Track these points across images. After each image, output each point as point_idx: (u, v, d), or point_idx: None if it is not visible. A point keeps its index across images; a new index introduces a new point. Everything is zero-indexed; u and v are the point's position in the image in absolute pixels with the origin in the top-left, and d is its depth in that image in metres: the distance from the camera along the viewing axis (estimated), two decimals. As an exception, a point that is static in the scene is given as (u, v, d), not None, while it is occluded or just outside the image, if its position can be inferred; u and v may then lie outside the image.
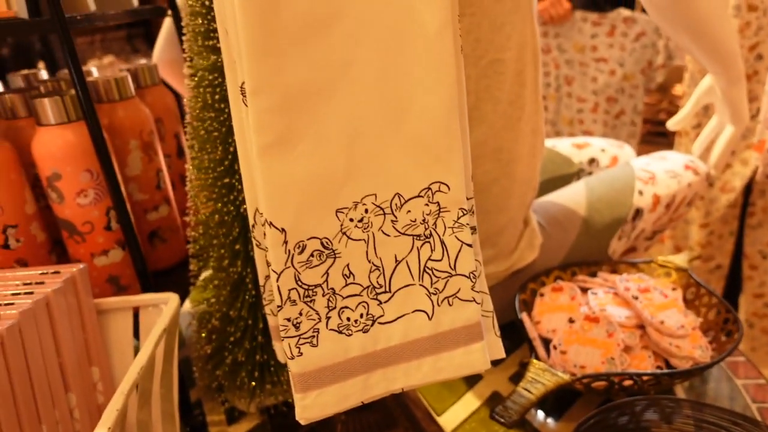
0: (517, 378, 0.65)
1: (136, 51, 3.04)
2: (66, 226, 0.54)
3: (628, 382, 0.51)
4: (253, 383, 0.56)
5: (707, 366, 0.52)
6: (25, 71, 0.72)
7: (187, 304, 0.67)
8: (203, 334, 0.58)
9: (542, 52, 1.80)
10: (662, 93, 2.53)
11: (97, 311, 0.49)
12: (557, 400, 0.60)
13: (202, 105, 0.50)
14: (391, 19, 0.33)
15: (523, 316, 0.61)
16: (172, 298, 0.49)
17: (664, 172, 0.80)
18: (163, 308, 0.49)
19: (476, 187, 0.61)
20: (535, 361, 0.53)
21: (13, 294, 0.43)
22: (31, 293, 0.43)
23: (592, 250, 0.74)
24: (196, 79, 0.50)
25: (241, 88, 0.32)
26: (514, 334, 0.72)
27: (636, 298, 0.59)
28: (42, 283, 0.45)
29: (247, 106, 0.33)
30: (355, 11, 0.33)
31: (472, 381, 0.65)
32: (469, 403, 0.62)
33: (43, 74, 0.72)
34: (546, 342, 0.60)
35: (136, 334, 0.52)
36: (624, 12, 1.65)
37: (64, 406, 0.45)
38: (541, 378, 0.51)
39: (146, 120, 0.63)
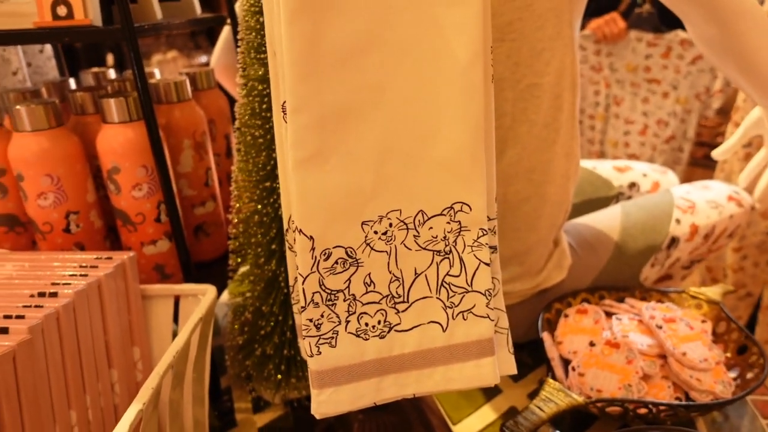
0: (535, 395, 0.66)
1: (198, 47, 3.17)
2: (121, 216, 0.59)
3: (642, 410, 0.51)
4: (279, 376, 0.59)
5: (727, 402, 0.52)
6: (96, 69, 0.78)
7: (225, 296, 0.71)
8: (236, 326, 0.61)
9: (594, 70, 1.78)
10: (722, 116, 2.45)
11: (142, 296, 0.54)
12: (574, 422, 0.60)
13: (251, 113, 0.53)
14: (424, 49, 0.36)
15: (545, 335, 0.62)
16: (210, 289, 0.53)
17: (705, 201, 0.79)
18: (201, 299, 0.53)
19: (507, 205, 0.63)
20: (550, 380, 0.54)
21: (71, 275, 0.48)
22: (86, 276, 0.48)
23: (623, 275, 0.74)
24: (246, 88, 0.53)
25: (283, 106, 0.35)
26: (536, 352, 0.73)
27: (660, 327, 0.59)
28: (96, 267, 0.49)
29: (286, 122, 0.36)
30: (392, 41, 0.35)
31: (490, 394, 0.67)
32: (486, 415, 0.63)
33: (111, 73, 0.78)
34: (566, 363, 0.61)
35: (176, 319, 0.56)
36: (681, 34, 1.62)
37: (106, 381, 0.49)
38: (554, 397, 0.52)
39: (200, 121, 0.68)
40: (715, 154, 0.86)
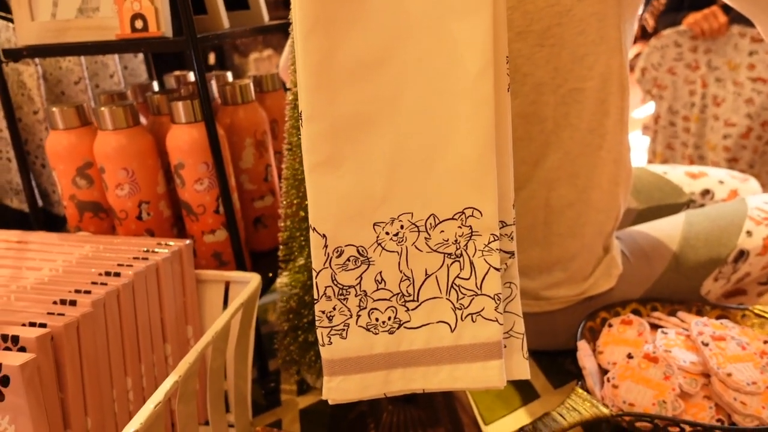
0: (572, 404, 0.65)
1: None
2: (185, 207, 0.66)
3: (673, 429, 0.50)
4: (320, 362, 0.63)
5: (772, 429, 0.49)
6: (177, 72, 0.86)
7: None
8: (282, 313, 0.66)
9: (689, 68, 1.66)
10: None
11: (196, 280, 0.60)
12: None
13: (296, 119, 0.57)
14: (437, 62, 0.37)
15: (581, 343, 0.60)
16: (254, 277, 0.58)
17: (785, 213, 0.73)
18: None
19: (550, 210, 0.62)
20: (578, 389, 0.53)
21: (134, 258, 0.54)
22: (147, 259, 0.54)
23: (680, 287, 0.70)
24: (293, 93, 0.57)
25: (300, 114, 0.38)
26: (581, 361, 0.71)
27: (706, 344, 0.56)
28: (156, 252, 0.56)
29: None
30: (404, 55, 0.37)
31: (527, 398, 0.67)
32: (520, 419, 0.64)
33: (191, 76, 0.86)
34: (605, 373, 0.59)
35: (227, 303, 0.62)
36: (792, 27, 1.47)
37: (161, 353, 0.55)
38: (579, 406, 0.51)
39: (262, 121, 0.73)
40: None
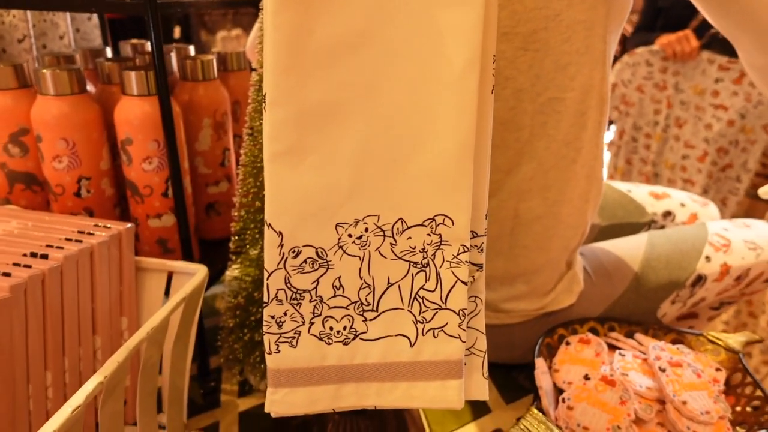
0: (524, 421, 0.63)
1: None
2: (130, 186, 0.60)
3: (627, 456, 0.48)
4: (265, 364, 0.59)
5: (723, 461, 0.48)
6: (135, 41, 0.80)
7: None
8: (229, 309, 0.62)
9: (657, 88, 1.69)
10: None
11: (136, 268, 0.55)
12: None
13: (259, 102, 0.53)
14: (418, 52, 0.34)
15: (538, 361, 0.59)
16: (201, 269, 0.53)
17: (743, 241, 0.73)
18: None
19: (518, 221, 0.60)
20: (534, 410, 0.52)
21: (66, 239, 0.49)
22: (80, 242, 0.49)
23: (639, 308, 0.70)
24: (257, 77, 0.53)
25: (264, 96, 0.34)
26: (533, 375, 0.70)
27: (663, 370, 0.55)
28: (92, 234, 0.50)
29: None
30: (384, 40, 0.34)
31: (478, 413, 0.65)
32: (469, 433, 0.62)
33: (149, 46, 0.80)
34: (560, 392, 0.58)
35: (170, 294, 0.57)
36: (757, 60, 1.51)
37: (89, 346, 0.50)
38: (533, 428, 0.49)
39: (222, 101, 0.68)
40: (762, 192, 0.80)
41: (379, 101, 0.35)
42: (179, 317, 0.51)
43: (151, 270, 0.56)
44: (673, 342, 0.65)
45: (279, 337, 0.37)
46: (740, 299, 0.80)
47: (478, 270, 0.39)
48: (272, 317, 0.37)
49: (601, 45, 0.53)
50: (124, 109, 0.58)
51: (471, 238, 0.37)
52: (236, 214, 0.60)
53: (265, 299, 0.37)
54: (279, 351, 0.37)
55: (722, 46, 1.56)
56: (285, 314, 0.37)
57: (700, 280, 0.70)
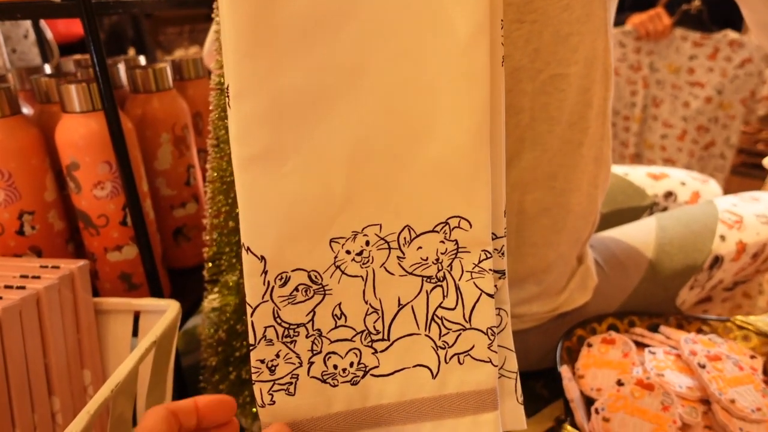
0: (550, 437, 0.57)
1: (221, 44, 3.14)
2: (82, 217, 0.53)
3: (680, 471, 0.42)
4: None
5: (786, 464, 0.43)
6: (78, 56, 0.72)
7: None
8: (210, 345, 0.54)
9: (632, 69, 1.66)
10: (764, 122, 2.30)
11: (96, 311, 0.47)
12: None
13: (223, 107, 0.46)
14: (413, 21, 0.28)
15: (563, 369, 0.53)
16: (172, 306, 0.46)
17: (754, 216, 0.69)
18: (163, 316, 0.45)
19: (524, 216, 0.54)
20: (569, 427, 0.45)
21: (6, 286, 0.41)
22: (23, 288, 0.41)
23: (656, 298, 0.64)
24: (217, 78, 0.46)
25: (226, 90, 0.28)
26: (554, 383, 0.64)
27: (703, 366, 0.50)
28: (38, 277, 0.43)
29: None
30: (369, 9, 0.27)
31: (499, 432, 0.58)
32: (492, 457, 0.55)
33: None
34: (588, 401, 0.52)
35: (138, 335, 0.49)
36: (731, 34, 1.49)
37: (45, 410, 0.42)
38: (573, 451, 0.43)
39: (181, 113, 0.61)
40: (767, 161, 0.76)
41: (370, 85, 0.28)
42: (151, 363, 0.44)
43: (114, 311, 0.48)
44: (699, 331, 0.60)
45: (272, 385, 0.30)
46: (754, 277, 0.75)
47: (500, 278, 0.33)
48: (262, 362, 0.30)
49: (602, 12, 0.47)
50: (66, 129, 0.50)
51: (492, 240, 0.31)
52: (208, 237, 0.53)
53: (251, 340, 0.30)
54: (274, 402, 0.30)
55: (695, 22, 1.54)
56: (277, 356, 0.30)
57: (717, 261, 0.65)
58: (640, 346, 0.57)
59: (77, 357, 0.45)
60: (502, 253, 0.33)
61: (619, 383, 0.50)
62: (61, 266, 0.44)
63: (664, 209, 0.82)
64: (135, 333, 0.49)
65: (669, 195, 0.82)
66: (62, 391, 0.44)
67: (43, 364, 0.42)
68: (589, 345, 0.57)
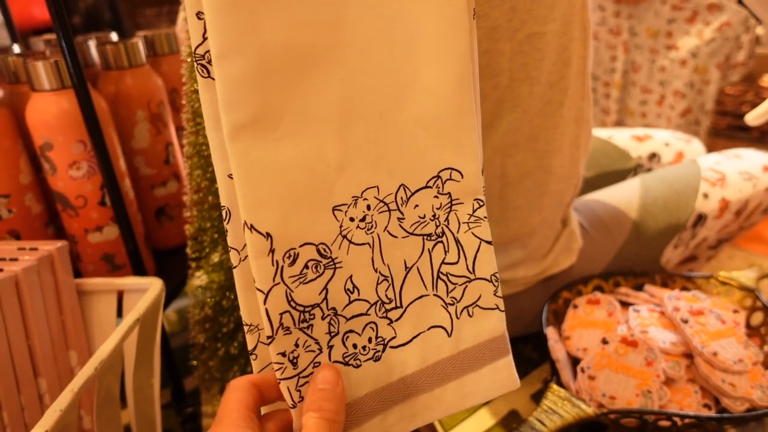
0: (539, 397, 0.58)
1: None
2: (60, 199, 0.52)
3: (664, 423, 0.43)
4: (246, 379, 0.52)
5: (766, 413, 0.43)
6: (48, 36, 0.70)
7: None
8: (197, 323, 0.54)
9: (612, 33, 1.65)
10: (748, 83, 2.30)
11: (78, 292, 0.46)
12: (582, 429, 0.53)
13: (196, 81, 0.45)
14: None
15: (549, 330, 0.53)
16: (155, 283, 0.45)
17: (737, 173, 0.69)
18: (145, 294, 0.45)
19: (506, 180, 0.54)
20: (555, 386, 0.46)
21: (-17, 270, 0.41)
22: (0, 270, 0.40)
23: (641, 258, 0.65)
24: (188, 49, 0.45)
25: (206, 55, 0.26)
26: (542, 346, 0.65)
27: (686, 321, 0.50)
28: (16, 259, 0.42)
29: (212, 77, 0.27)
30: None
31: (489, 395, 0.59)
32: (483, 420, 0.56)
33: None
34: (575, 361, 0.53)
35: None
36: (710, -2, 1.48)
37: (31, 391, 0.42)
38: (559, 408, 0.44)
39: (156, 90, 0.59)
40: (749, 118, 0.76)
41: (352, 40, 0.27)
42: (136, 341, 0.43)
43: (96, 292, 0.47)
44: (683, 289, 0.60)
45: (298, 380, 0.28)
46: (738, 234, 0.76)
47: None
48: (283, 355, 0.28)
49: (578, -34, 0.46)
50: (36, 108, 0.49)
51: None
52: (188, 214, 0.52)
53: (268, 332, 0.27)
54: (303, 398, 0.28)
55: (674, -17, 1.52)
56: (297, 345, 0.28)
57: (700, 219, 0.65)
58: (625, 305, 0.58)
59: (62, 338, 0.45)
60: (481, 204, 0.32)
61: (604, 341, 0.51)
62: (39, 248, 0.44)
63: (649, 170, 0.83)
64: (120, 314, 0.49)
65: (653, 156, 0.82)
66: (48, 373, 0.43)
67: (26, 346, 0.42)
68: (575, 306, 0.58)
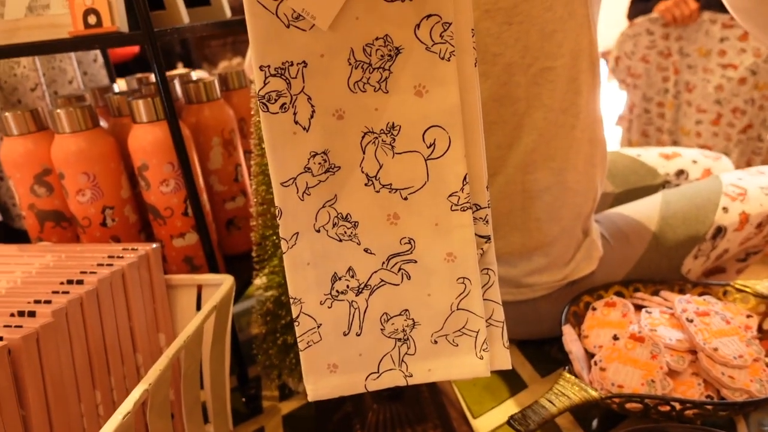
0: (561, 391, 0.63)
1: (262, 53, 3.29)
2: (152, 210, 0.63)
3: (664, 408, 0.49)
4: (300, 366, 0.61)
5: (762, 400, 0.48)
6: (140, 75, 0.83)
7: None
8: (260, 316, 0.64)
9: (662, 55, 1.68)
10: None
11: (166, 286, 0.57)
12: (603, 420, 0.58)
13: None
14: None
15: (565, 328, 0.59)
16: (227, 279, 0.55)
17: (759, 188, 0.73)
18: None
19: (527, 195, 0.61)
20: (566, 374, 0.52)
21: (98, 264, 0.51)
22: (111, 265, 0.51)
23: (661, 267, 0.70)
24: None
25: (264, 96, 0.36)
26: (567, 347, 0.70)
27: (691, 320, 0.55)
28: (122, 257, 0.53)
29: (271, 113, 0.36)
30: None
31: (515, 388, 0.65)
32: (508, 410, 0.62)
33: (153, 77, 0.83)
34: (592, 357, 0.58)
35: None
36: (761, 15, 1.48)
37: (131, 364, 0.53)
38: (567, 391, 0.50)
39: (228, 119, 0.70)
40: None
41: None
42: (212, 326, 0.53)
43: (180, 286, 0.58)
44: (700, 295, 0.65)
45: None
46: (765, 247, 0.79)
47: (486, 242, 0.40)
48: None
49: (584, 9, 0.54)
50: (136, 136, 0.60)
51: (474, 211, 0.38)
52: (254, 223, 0.62)
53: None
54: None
55: (722, 5, 1.54)
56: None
57: (720, 231, 0.70)
58: (641, 308, 0.63)
59: (154, 323, 0.56)
60: (486, 221, 0.39)
61: (615, 338, 0.56)
62: (138, 248, 0.54)
63: (676, 186, 0.87)
64: (198, 307, 0.59)
65: (681, 173, 0.87)
66: (144, 350, 0.54)
67: (128, 327, 0.52)
68: (594, 309, 0.63)
